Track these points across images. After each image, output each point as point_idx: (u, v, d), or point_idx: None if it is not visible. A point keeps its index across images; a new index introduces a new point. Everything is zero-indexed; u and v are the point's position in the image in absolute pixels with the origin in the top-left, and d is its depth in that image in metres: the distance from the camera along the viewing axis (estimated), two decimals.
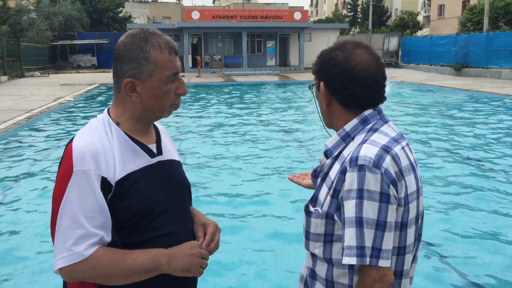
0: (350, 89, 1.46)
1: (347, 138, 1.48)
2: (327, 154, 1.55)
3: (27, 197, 6.24)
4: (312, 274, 1.53)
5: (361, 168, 1.33)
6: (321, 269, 1.49)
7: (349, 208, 1.33)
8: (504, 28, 28.83)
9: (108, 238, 1.39)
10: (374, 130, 1.46)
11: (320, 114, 1.60)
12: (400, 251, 1.44)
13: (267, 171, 7.49)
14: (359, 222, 1.31)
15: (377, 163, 1.34)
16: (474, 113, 13.88)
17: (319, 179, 1.54)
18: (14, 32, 34.19)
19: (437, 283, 3.98)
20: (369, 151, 1.36)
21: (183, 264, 1.44)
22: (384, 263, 1.32)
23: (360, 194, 1.32)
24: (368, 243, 1.31)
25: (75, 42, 37.67)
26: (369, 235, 1.31)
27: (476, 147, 9.19)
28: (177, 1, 61.57)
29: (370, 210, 1.31)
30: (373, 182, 1.32)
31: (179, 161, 1.67)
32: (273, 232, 5.06)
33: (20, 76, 27.12)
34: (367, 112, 1.49)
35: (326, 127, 1.63)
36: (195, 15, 34.88)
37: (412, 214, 1.44)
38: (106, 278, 1.38)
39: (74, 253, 1.33)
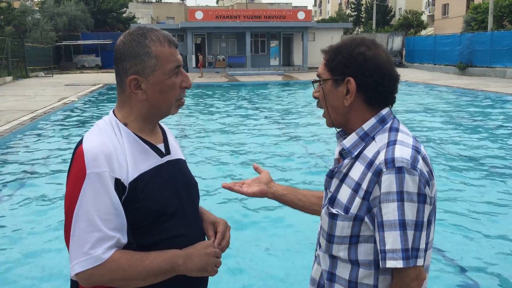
0: (384, 86, 1.45)
1: (366, 138, 1.45)
2: (343, 153, 1.51)
3: (32, 198, 6.25)
4: (331, 277, 1.50)
5: (400, 170, 1.32)
6: (344, 271, 1.47)
7: (390, 210, 1.32)
8: (509, 27, 28.73)
9: (124, 240, 1.37)
10: (395, 129, 1.44)
11: (330, 111, 1.51)
12: (426, 247, 1.43)
13: (270, 169, 7.48)
14: (402, 225, 1.31)
15: (413, 165, 1.34)
16: (478, 112, 13.82)
17: (334, 180, 1.51)
18: (18, 32, 34.31)
19: None
20: (404, 153, 1.35)
21: (199, 264, 1.44)
22: (420, 262, 1.33)
23: (401, 197, 1.31)
24: (411, 244, 1.31)
25: (79, 42, 37.80)
26: (411, 236, 1.32)
27: (480, 147, 9.15)
28: (181, 1, 61.68)
29: (410, 211, 1.32)
30: (411, 184, 1.32)
31: (184, 160, 1.67)
32: (274, 232, 5.05)
33: (24, 77, 27.20)
34: (384, 111, 1.47)
35: (335, 126, 1.55)
36: (199, 15, 34.89)
37: (434, 211, 1.45)
38: (125, 281, 1.36)
39: (92, 257, 1.31)
